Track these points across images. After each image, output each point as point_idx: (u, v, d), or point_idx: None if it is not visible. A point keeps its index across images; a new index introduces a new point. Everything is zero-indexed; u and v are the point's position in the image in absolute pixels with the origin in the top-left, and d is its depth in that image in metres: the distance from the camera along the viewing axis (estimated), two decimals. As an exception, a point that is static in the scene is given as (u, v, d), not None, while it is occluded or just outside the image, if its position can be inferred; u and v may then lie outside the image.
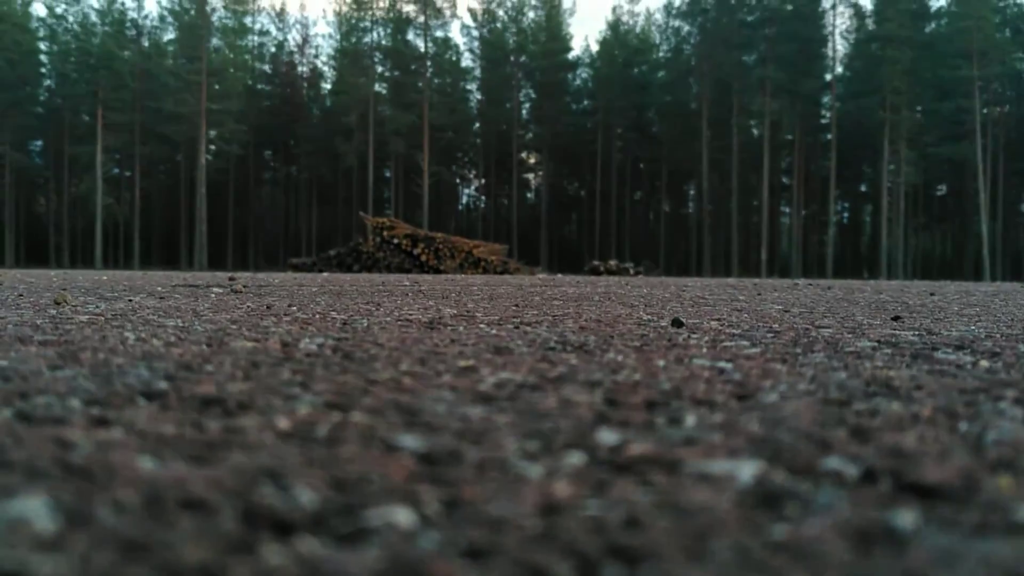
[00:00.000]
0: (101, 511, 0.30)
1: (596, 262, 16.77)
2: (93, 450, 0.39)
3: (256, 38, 39.22)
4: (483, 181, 41.48)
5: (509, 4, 37.31)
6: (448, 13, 35.07)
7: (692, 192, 39.30)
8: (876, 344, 0.97)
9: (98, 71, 32.50)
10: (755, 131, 33.68)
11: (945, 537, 0.29)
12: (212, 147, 35.83)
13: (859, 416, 0.53)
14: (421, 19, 34.90)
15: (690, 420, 0.50)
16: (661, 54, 38.61)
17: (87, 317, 1.22)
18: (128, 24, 35.69)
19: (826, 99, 34.19)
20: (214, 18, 34.70)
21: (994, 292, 3.49)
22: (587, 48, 41.50)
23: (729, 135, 33.08)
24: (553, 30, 36.93)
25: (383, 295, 2.19)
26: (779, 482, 0.37)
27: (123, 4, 35.88)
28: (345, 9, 36.79)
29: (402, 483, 0.35)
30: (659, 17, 39.16)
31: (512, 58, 37.10)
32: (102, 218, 32.89)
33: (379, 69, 35.82)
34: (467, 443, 0.43)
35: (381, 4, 35.36)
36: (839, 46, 34.53)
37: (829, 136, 33.27)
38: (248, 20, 37.44)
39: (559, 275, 12.21)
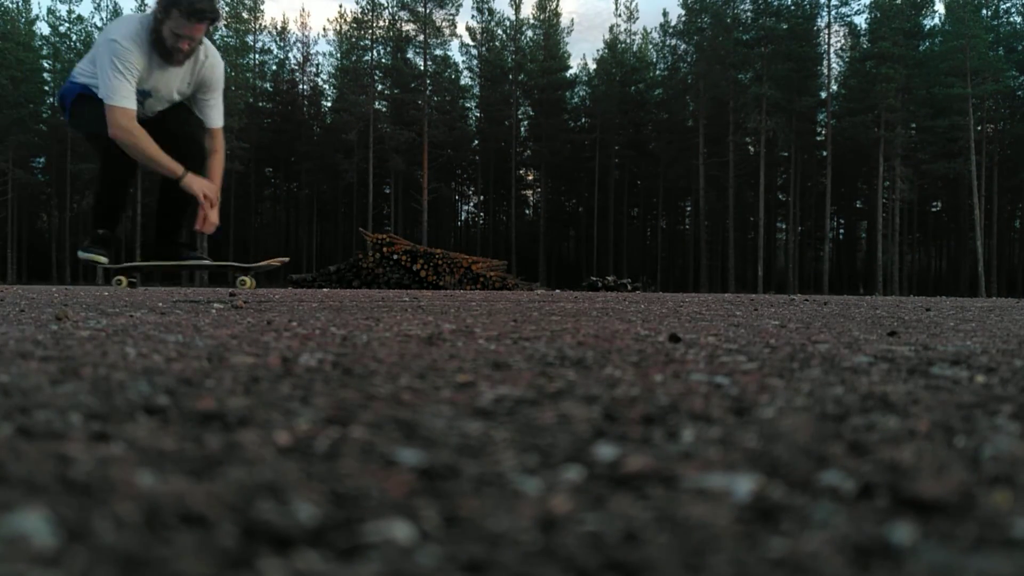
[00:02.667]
0: (100, 526, 0.30)
1: (594, 278, 16.79)
2: (93, 465, 0.39)
3: (257, 56, 39.66)
4: (482, 198, 41.69)
5: (508, 23, 37.81)
6: (447, 32, 35.51)
7: (689, 208, 39.52)
8: (873, 359, 0.98)
9: (100, 89, 32.66)
10: (751, 148, 33.97)
11: (943, 552, 0.30)
12: (213, 163, 35.91)
13: (856, 431, 0.53)
14: (421, 38, 35.33)
15: (688, 435, 0.51)
16: (658, 72, 39.08)
17: (88, 332, 1.22)
18: (131, 43, 36.04)
19: (821, 116, 34.56)
20: (216, 36, 35.10)
21: (989, 307, 3.50)
22: (584, 66, 41.99)
23: (725, 152, 33.36)
24: (551, 49, 37.39)
25: (382, 310, 2.19)
26: (776, 497, 0.37)
27: (126, 23, 36.28)
28: (345, 28, 37.28)
29: (401, 498, 0.35)
30: (656, 36, 39.69)
31: (511, 76, 37.51)
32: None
33: (379, 87, 36.17)
34: (466, 458, 0.43)
35: (381, 23, 35.83)
36: (834, 64, 34.97)
37: (824, 153, 33.55)
38: (249, 39, 37.90)
39: (557, 291, 12.24)
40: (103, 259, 3.88)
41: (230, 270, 4.58)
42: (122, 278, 4.32)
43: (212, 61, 3.75)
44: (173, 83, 3.65)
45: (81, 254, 3.89)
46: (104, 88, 3.46)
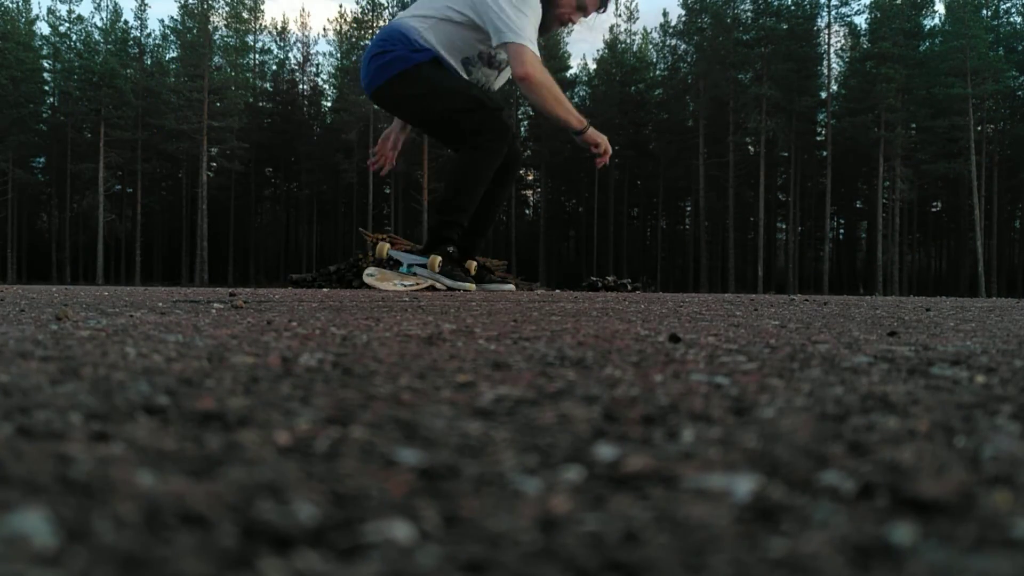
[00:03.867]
0: (100, 526, 0.30)
1: (594, 278, 16.78)
2: (93, 465, 0.39)
3: (257, 56, 39.67)
4: (482, 197, 41.57)
5: (508, 23, 37.73)
6: (448, 32, 35.46)
7: (689, 209, 39.51)
8: (872, 359, 0.97)
9: (100, 89, 32.78)
10: (751, 148, 33.95)
11: (943, 552, 0.29)
12: (213, 164, 36.03)
13: (856, 431, 0.53)
14: (421, 38, 35.28)
15: (687, 435, 0.51)
16: (658, 72, 39.07)
17: (88, 332, 1.22)
18: (131, 42, 36.10)
19: (821, 117, 34.55)
20: (216, 36, 35.11)
21: (989, 308, 3.50)
22: (585, 66, 41.99)
23: (725, 152, 33.36)
24: (551, 48, 37.37)
25: (382, 310, 2.19)
26: (776, 497, 0.37)
27: (126, 23, 36.33)
28: (345, 28, 37.28)
29: (401, 498, 0.35)
30: (656, 36, 39.68)
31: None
32: (104, 234, 32.95)
33: (379, 87, 36.08)
34: (466, 458, 0.43)
35: (381, 23, 35.83)
36: (834, 64, 34.97)
37: (824, 153, 33.54)
38: (250, 39, 37.89)
39: (557, 291, 12.24)
40: (472, 286, 3.09)
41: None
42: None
43: None
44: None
45: (450, 283, 3.03)
46: (505, 22, 2.70)
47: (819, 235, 35.54)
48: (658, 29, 38.58)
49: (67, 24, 35.32)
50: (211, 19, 34.23)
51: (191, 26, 34.56)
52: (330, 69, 39.96)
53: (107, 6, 36.20)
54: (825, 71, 33.64)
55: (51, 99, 36.14)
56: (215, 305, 2.34)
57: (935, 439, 0.49)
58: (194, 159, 33.59)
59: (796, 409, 0.59)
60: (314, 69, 41.47)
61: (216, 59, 34.48)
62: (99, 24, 35.78)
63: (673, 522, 0.31)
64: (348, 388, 0.66)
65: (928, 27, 33.25)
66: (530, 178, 41.09)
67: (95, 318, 1.60)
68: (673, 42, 37.22)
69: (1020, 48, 33.13)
